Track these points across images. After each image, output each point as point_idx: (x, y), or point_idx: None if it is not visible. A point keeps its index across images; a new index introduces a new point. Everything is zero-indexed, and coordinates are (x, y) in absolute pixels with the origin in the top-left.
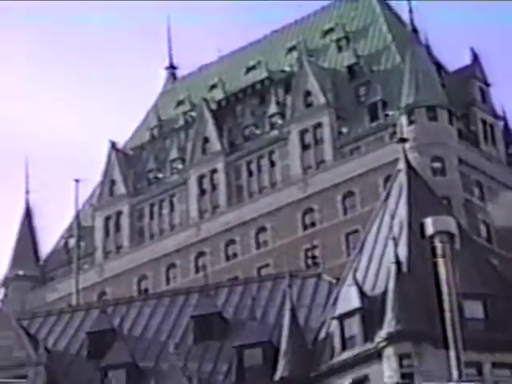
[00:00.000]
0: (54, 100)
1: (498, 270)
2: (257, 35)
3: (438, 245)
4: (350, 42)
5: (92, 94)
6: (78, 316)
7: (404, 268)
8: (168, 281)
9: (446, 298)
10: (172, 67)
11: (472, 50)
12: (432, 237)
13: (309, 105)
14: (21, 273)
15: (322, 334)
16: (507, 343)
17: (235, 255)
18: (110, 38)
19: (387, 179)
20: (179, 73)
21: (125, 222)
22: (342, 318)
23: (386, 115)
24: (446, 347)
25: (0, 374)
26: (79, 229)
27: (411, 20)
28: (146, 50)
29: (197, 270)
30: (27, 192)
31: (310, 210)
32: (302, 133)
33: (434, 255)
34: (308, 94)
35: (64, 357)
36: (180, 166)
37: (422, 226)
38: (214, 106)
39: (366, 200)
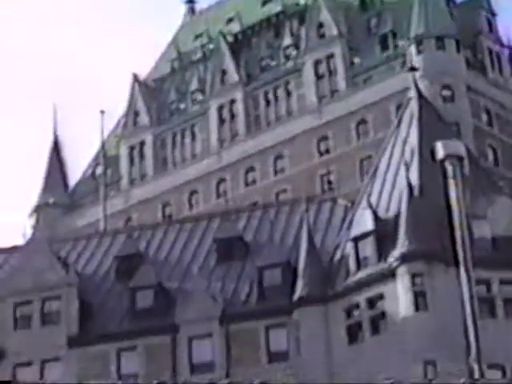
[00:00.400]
0: (79, 36)
1: (504, 192)
2: None
3: (449, 167)
4: None
5: (115, 29)
6: (106, 241)
7: (416, 191)
8: (191, 207)
9: (456, 217)
10: (191, 1)
11: None
12: (442, 160)
13: (322, 36)
14: (51, 200)
15: (338, 256)
16: None
17: (254, 181)
18: None
19: (398, 107)
20: (198, 7)
21: (148, 151)
22: (356, 240)
23: (396, 46)
24: (457, 265)
25: (34, 296)
26: (105, 158)
27: None
28: None
29: (218, 196)
30: (55, 124)
31: (325, 137)
32: (316, 63)
33: (445, 177)
34: (321, 25)
35: (93, 279)
36: (200, 97)
37: (432, 150)
38: (230, 39)
39: (379, 127)
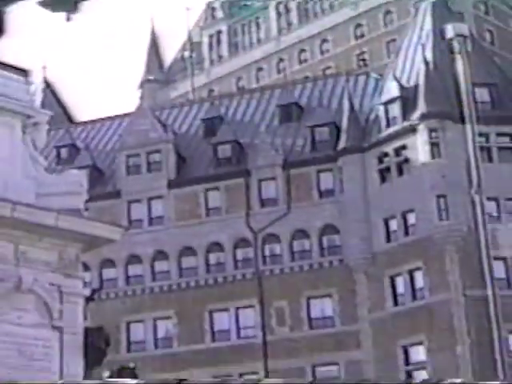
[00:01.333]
0: None
1: (500, 67)
2: None
3: (456, 45)
4: None
5: None
6: (194, 107)
7: (431, 66)
8: (257, 80)
9: (462, 85)
10: None
11: None
12: (451, 39)
13: None
14: (151, 77)
15: (372, 116)
16: (507, 118)
17: (306, 60)
18: None
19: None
20: None
21: (224, 38)
22: (386, 104)
23: None
24: (463, 122)
25: (141, 150)
26: (191, 45)
27: None
28: None
29: (278, 72)
30: (152, 20)
31: (360, 25)
32: None
33: (452, 53)
34: None
35: (186, 137)
36: None
37: (442, 32)
38: None
39: (401, 16)
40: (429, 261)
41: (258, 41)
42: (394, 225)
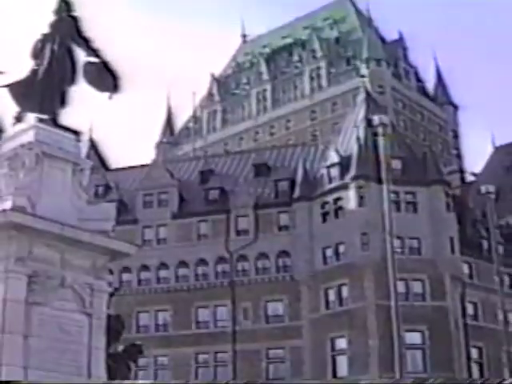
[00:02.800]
0: None
1: (409, 145)
2: None
3: (379, 129)
4: None
5: None
6: (193, 163)
7: (361, 142)
8: (240, 146)
9: (382, 157)
10: None
11: None
12: (376, 125)
13: None
14: (165, 140)
15: (318, 175)
16: (412, 182)
17: (274, 133)
18: None
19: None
20: None
21: (218, 115)
22: (328, 167)
23: None
24: (381, 182)
25: (153, 191)
26: (195, 118)
27: None
28: None
29: (254, 141)
30: (167, 98)
31: (314, 111)
32: None
33: (376, 135)
34: None
35: (186, 183)
36: None
37: (370, 120)
38: None
39: (344, 106)
40: (352, 279)
41: (242, 118)
42: (329, 252)
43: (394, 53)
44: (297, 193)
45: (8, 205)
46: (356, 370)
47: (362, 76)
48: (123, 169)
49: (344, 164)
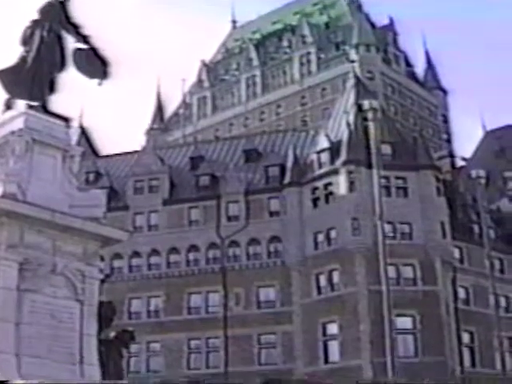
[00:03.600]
0: None
1: (399, 130)
2: None
3: (369, 114)
4: None
5: None
6: (184, 149)
7: (351, 128)
8: (230, 131)
9: (372, 142)
10: None
11: None
12: (366, 110)
13: None
14: (155, 126)
15: (308, 161)
16: (402, 166)
17: (264, 119)
18: None
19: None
20: None
21: (208, 101)
22: (318, 153)
23: None
24: (372, 167)
25: (144, 177)
26: (185, 104)
27: None
28: None
29: (245, 126)
30: (157, 86)
31: (304, 96)
32: None
33: (367, 120)
34: None
35: (177, 169)
36: None
37: (360, 105)
38: None
39: (333, 92)
40: (343, 264)
41: (232, 104)
42: (320, 237)
43: (384, 38)
44: (287, 178)
45: None
46: (347, 355)
47: (352, 61)
48: (114, 155)
49: (334, 149)
